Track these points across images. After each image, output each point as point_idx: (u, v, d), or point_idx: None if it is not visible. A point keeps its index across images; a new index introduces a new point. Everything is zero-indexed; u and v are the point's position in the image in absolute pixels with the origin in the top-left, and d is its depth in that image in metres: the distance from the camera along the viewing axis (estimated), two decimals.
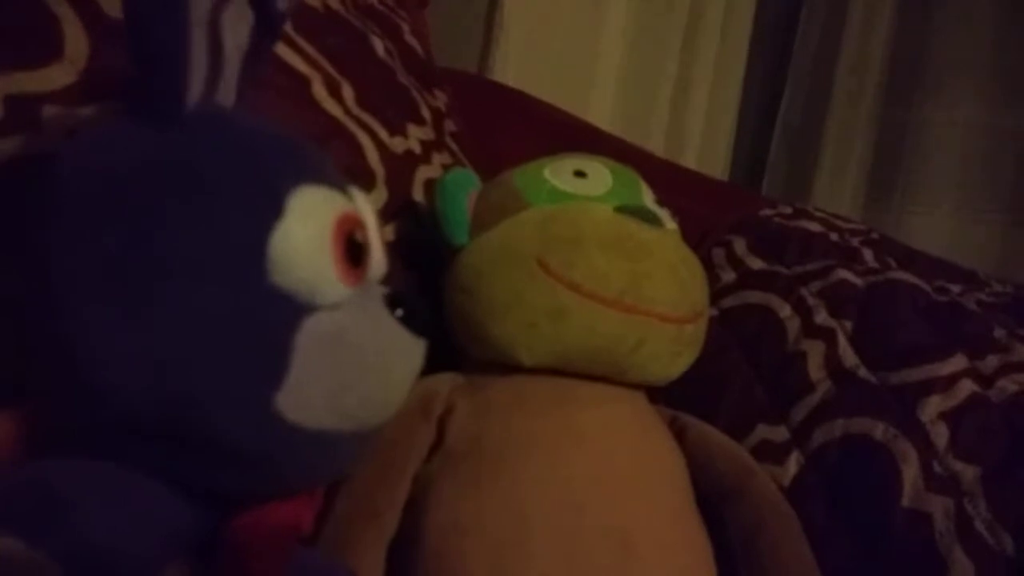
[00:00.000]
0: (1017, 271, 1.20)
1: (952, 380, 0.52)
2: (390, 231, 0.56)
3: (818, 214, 0.73)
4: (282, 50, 0.53)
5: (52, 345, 0.29)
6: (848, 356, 0.56)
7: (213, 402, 0.28)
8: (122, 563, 0.26)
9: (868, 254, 0.65)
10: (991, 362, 0.53)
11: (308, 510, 0.33)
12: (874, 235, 0.71)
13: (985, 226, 1.32)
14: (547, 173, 0.52)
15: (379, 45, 0.66)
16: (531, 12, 1.06)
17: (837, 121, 1.41)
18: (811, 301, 0.60)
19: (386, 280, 0.34)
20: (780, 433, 0.55)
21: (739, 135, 1.47)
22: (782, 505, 0.49)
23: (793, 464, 0.53)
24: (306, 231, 0.29)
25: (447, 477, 0.45)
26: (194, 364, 0.28)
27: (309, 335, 0.29)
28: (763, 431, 0.55)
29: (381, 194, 0.56)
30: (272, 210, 0.29)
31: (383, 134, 0.59)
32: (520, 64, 1.05)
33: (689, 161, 1.32)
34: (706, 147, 1.38)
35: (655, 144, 1.26)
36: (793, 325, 0.59)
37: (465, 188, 0.53)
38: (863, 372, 0.55)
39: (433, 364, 0.35)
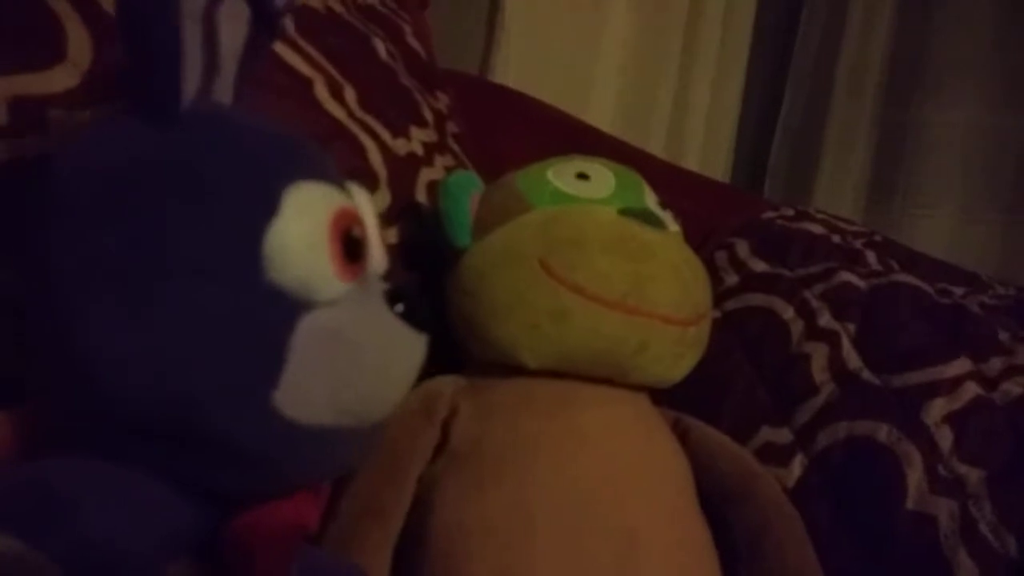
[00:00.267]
0: (1019, 272, 1.20)
1: (956, 383, 0.52)
2: (393, 233, 0.56)
3: (820, 216, 0.73)
4: (284, 51, 0.53)
5: (52, 344, 0.29)
6: (852, 358, 0.56)
7: (212, 401, 0.28)
8: (122, 563, 0.26)
9: (871, 256, 0.65)
10: (995, 365, 0.53)
11: (313, 509, 0.32)
12: (877, 237, 0.70)
13: (986, 226, 1.32)
14: (550, 175, 0.52)
15: (381, 47, 0.66)
16: (532, 14, 1.06)
17: (838, 122, 1.41)
18: (814, 303, 0.60)
19: (388, 281, 0.34)
20: (783, 435, 0.55)
21: (740, 137, 1.47)
22: (786, 507, 0.49)
23: (797, 466, 0.53)
24: (302, 227, 0.29)
25: (452, 478, 0.45)
26: (193, 363, 0.27)
27: (307, 332, 0.29)
28: (767, 433, 0.55)
29: (384, 196, 0.56)
30: (268, 207, 0.29)
31: (386, 136, 0.59)
32: (521, 66, 1.05)
33: (690, 163, 1.32)
34: (707, 149, 1.38)
35: (656, 146, 1.26)
36: (796, 327, 0.59)
37: (468, 190, 0.53)
38: (867, 374, 0.55)
39: (436, 366, 0.35)
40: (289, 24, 0.35)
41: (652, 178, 0.54)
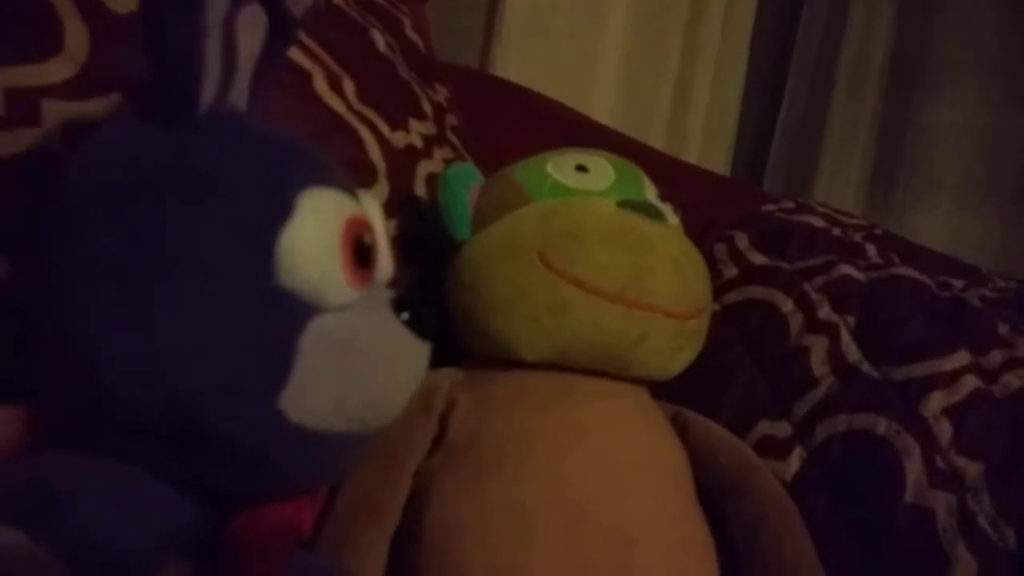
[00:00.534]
0: (1018, 267, 1.20)
1: (955, 376, 0.52)
2: (392, 226, 0.56)
3: (820, 209, 0.73)
4: None
5: (55, 343, 0.29)
6: (851, 351, 0.56)
7: (215, 401, 0.28)
8: (122, 561, 0.26)
9: (871, 249, 0.65)
10: (995, 358, 0.53)
11: (309, 512, 0.33)
12: (877, 230, 0.70)
13: (985, 222, 1.32)
14: (549, 167, 0.52)
15: (380, 40, 0.66)
16: (532, 7, 1.06)
17: (838, 120, 1.41)
18: (814, 296, 0.60)
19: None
20: (783, 428, 0.55)
21: (740, 133, 1.47)
22: (784, 501, 0.49)
23: (795, 460, 0.53)
24: (315, 232, 0.29)
25: (448, 473, 0.45)
26: (197, 363, 0.28)
27: (314, 337, 0.29)
28: (765, 426, 0.55)
29: (382, 189, 0.56)
30: (281, 211, 0.29)
31: (384, 128, 0.59)
32: (521, 59, 1.05)
33: (691, 159, 1.32)
34: (707, 145, 1.38)
35: (656, 141, 1.26)
36: (796, 320, 0.59)
37: (467, 183, 0.53)
38: (866, 367, 0.55)
39: (434, 359, 0.35)
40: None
41: (651, 170, 0.54)
